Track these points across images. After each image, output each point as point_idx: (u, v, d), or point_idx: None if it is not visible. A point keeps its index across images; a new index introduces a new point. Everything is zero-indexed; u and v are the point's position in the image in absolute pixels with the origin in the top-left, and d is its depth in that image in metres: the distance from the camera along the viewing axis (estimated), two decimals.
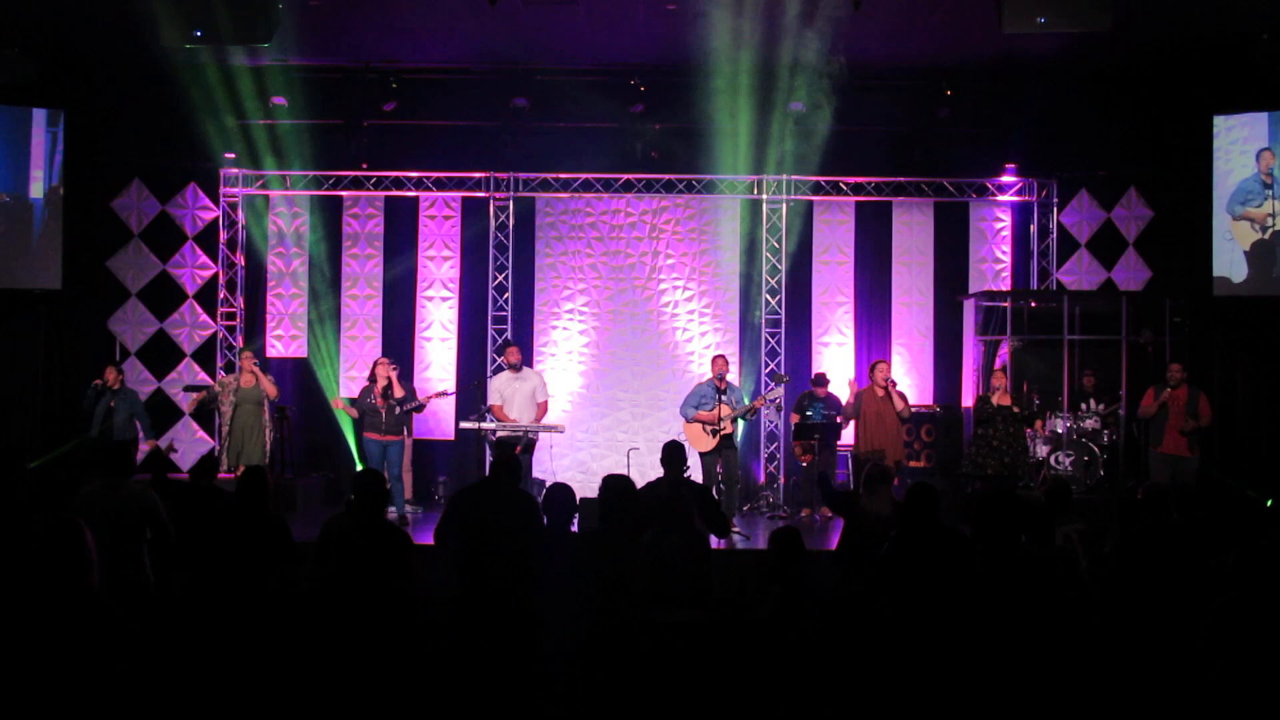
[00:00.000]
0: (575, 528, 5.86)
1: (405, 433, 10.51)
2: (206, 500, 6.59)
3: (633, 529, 5.44)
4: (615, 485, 5.59)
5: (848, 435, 10.73)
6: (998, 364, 11.00)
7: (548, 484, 11.25)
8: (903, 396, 10.22)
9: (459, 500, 6.16)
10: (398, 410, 10.14)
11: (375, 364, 10.38)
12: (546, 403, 10.56)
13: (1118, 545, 5.66)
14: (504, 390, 10.44)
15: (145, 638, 3.88)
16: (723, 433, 9.94)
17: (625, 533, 5.39)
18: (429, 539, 6.23)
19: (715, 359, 10.25)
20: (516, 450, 10.12)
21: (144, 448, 10.47)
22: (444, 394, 11.05)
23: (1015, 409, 9.84)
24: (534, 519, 5.91)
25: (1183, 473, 9.44)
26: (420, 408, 10.62)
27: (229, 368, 11.94)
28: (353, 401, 10.66)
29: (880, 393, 10.10)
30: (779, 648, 4.27)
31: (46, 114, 11.12)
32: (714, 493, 9.00)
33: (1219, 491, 9.75)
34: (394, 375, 10.21)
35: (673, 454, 6.77)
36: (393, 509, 10.24)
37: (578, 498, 5.92)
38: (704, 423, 10.04)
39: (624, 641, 4.51)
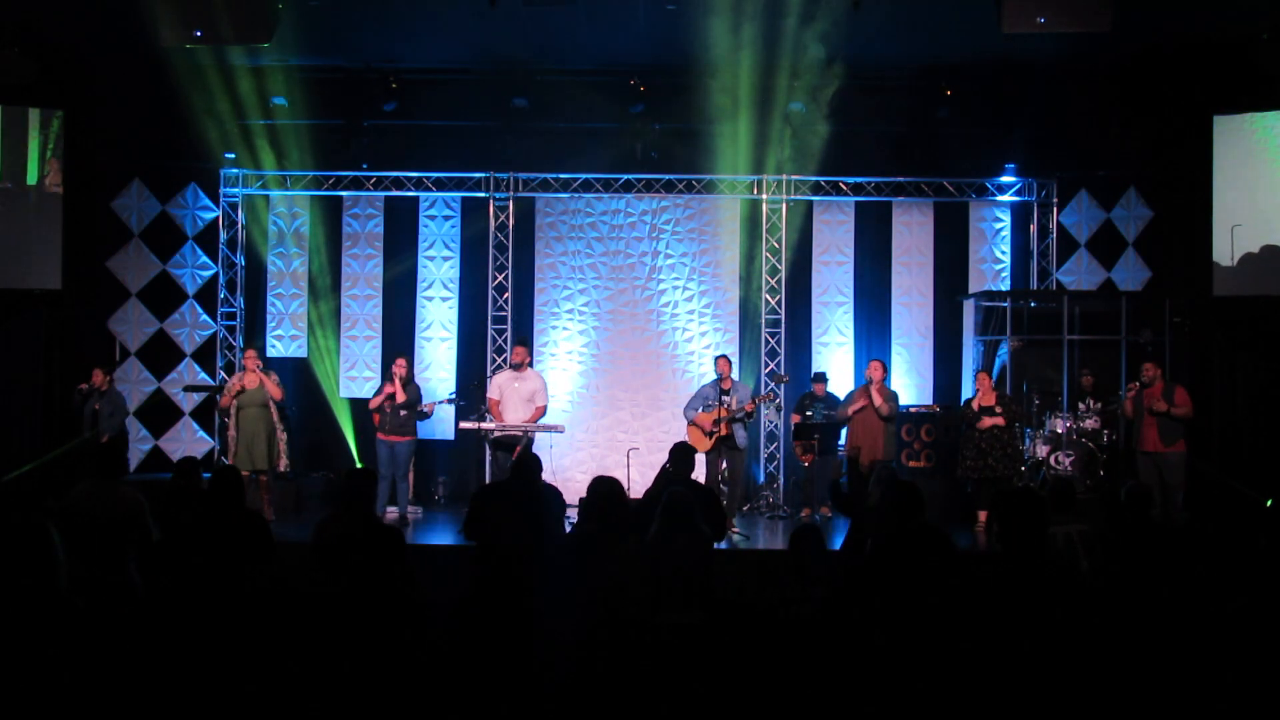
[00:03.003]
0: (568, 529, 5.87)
1: (414, 433, 10.51)
2: (188, 500, 6.58)
3: (621, 530, 5.44)
4: (603, 489, 5.58)
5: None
6: (984, 365, 11.05)
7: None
8: (883, 394, 10.15)
9: (484, 497, 6.23)
10: (402, 413, 10.14)
11: (394, 364, 10.41)
12: (544, 408, 10.48)
13: (1104, 545, 5.66)
14: (504, 388, 10.44)
15: (129, 640, 3.86)
16: (718, 435, 9.93)
17: (613, 534, 5.38)
18: (430, 539, 6.26)
19: (718, 359, 10.27)
20: (517, 450, 10.13)
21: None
22: (450, 401, 11.04)
23: (997, 409, 9.85)
24: (551, 514, 5.98)
25: (1168, 469, 9.37)
26: (425, 415, 10.64)
27: (229, 368, 11.95)
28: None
29: (868, 392, 10.18)
30: (779, 648, 4.27)
31: (39, 114, 11.16)
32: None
33: (1217, 491, 9.74)
34: (399, 378, 10.18)
35: (678, 455, 6.77)
36: (394, 508, 10.26)
37: (578, 498, 5.93)
38: (700, 426, 10.06)
39: (625, 643, 4.51)
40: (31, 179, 11.35)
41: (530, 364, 10.70)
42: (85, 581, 5.36)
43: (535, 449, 10.57)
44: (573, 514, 8.61)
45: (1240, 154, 10.90)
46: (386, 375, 10.56)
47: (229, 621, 4.34)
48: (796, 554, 5.10)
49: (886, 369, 10.51)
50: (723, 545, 8.52)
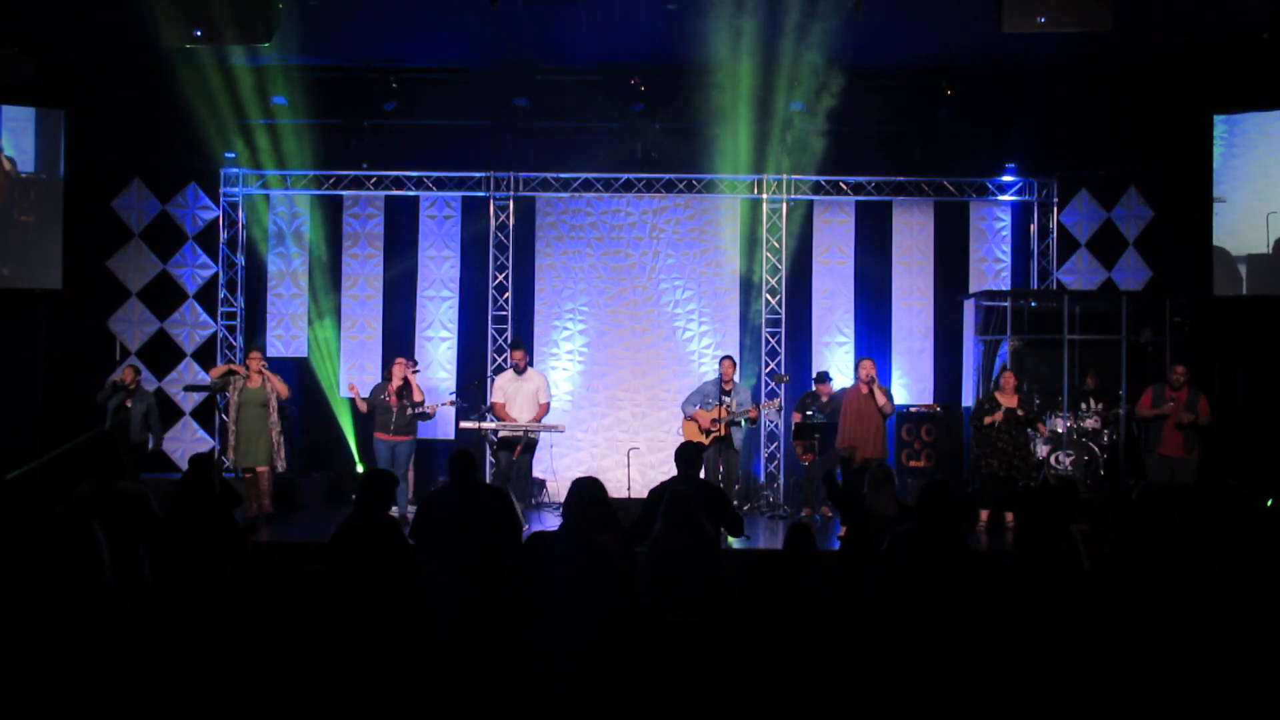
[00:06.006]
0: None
1: (414, 433, 10.51)
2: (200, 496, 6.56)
3: (605, 530, 5.44)
4: (584, 489, 5.58)
5: None
6: (999, 363, 11.02)
7: (547, 483, 11.30)
8: (885, 393, 10.12)
9: (431, 501, 6.25)
10: (409, 412, 10.14)
11: (394, 363, 10.37)
12: (548, 404, 10.56)
13: (1116, 546, 5.64)
14: (506, 389, 10.45)
15: (150, 637, 3.87)
16: (716, 435, 9.93)
17: (598, 534, 5.37)
18: None
19: (723, 360, 10.37)
20: (517, 450, 10.16)
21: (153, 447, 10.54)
22: (451, 404, 11.04)
23: (1020, 411, 9.82)
24: (505, 513, 6.01)
25: (1181, 473, 9.42)
26: (428, 415, 10.65)
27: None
28: (365, 399, 10.59)
29: (864, 390, 10.08)
30: (783, 646, 4.27)
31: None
32: None
33: (1219, 491, 9.75)
34: (412, 376, 10.18)
35: (685, 454, 6.77)
36: (395, 508, 10.24)
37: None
38: (699, 422, 10.09)
39: (628, 641, 4.51)
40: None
41: (529, 364, 10.73)
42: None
43: (536, 447, 10.59)
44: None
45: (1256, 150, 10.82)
46: (386, 375, 10.50)
47: (206, 617, 4.34)
48: (791, 553, 5.09)
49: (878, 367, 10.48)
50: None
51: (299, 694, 3.98)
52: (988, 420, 9.78)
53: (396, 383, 10.10)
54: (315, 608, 4.54)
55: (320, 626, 4.30)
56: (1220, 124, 10.82)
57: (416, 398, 10.12)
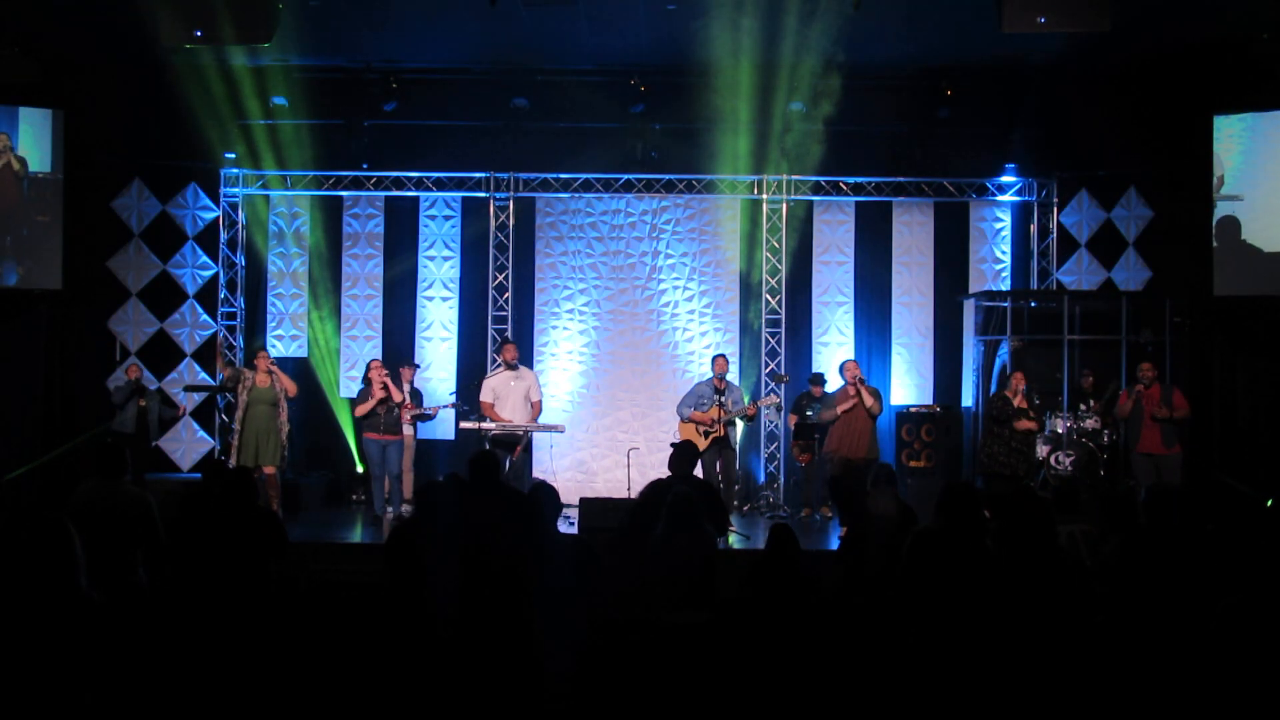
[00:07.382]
0: (562, 527, 5.85)
1: (410, 431, 10.50)
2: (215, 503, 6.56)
3: (640, 532, 5.45)
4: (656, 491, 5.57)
5: None
6: (998, 363, 11.03)
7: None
8: (873, 393, 10.15)
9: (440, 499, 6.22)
10: (395, 414, 10.12)
11: (369, 367, 10.36)
12: (540, 402, 10.54)
13: (1120, 547, 5.61)
14: (500, 389, 10.43)
15: (140, 639, 3.87)
16: (715, 435, 9.94)
17: (635, 535, 5.39)
18: None
19: (716, 358, 10.34)
20: (516, 450, 10.15)
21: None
22: (452, 406, 11.04)
23: (1030, 414, 9.86)
24: (528, 515, 5.98)
25: (1166, 470, 9.42)
26: (429, 417, 10.63)
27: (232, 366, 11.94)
28: (351, 403, 10.60)
29: (851, 391, 10.09)
30: (783, 648, 4.27)
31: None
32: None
33: (1219, 491, 9.75)
34: (389, 379, 10.15)
35: (680, 454, 6.76)
36: (392, 509, 10.26)
37: (579, 497, 5.93)
38: (698, 423, 10.08)
39: (627, 642, 4.51)
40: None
41: (526, 362, 10.75)
42: (95, 581, 5.37)
43: (535, 448, 10.60)
44: (571, 514, 8.60)
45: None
46: (365, 380, 10.46)
47: (251, 615, 4.35)
48: (775, 554, 5.08)
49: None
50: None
51: (322, 688, 3.98)
52: (1021, 426, 9.79)
53: (377, 387, 10.07)
54: (364, 605, 4.55)
55: (367, 623, 4.30)
56: (1237, 122, 10.79)
57: (396, 398, 10.11)
